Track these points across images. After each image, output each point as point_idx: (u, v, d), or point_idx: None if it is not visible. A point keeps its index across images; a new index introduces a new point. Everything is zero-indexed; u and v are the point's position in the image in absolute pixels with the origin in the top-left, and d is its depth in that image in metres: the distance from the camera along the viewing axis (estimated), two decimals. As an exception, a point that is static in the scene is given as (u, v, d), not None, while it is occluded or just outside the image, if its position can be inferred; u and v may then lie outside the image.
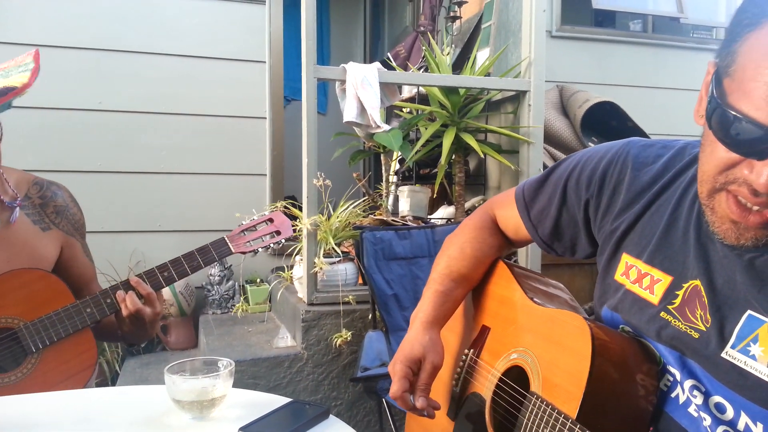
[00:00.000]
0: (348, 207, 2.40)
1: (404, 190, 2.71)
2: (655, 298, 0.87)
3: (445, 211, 2.89)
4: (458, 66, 2.99)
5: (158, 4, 3.21)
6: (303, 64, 2.24)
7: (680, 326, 0.83)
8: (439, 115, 2.62)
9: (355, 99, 2.28)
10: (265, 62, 3.40)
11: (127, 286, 1.37)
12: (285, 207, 2.38)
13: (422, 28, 3.38)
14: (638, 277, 0.91)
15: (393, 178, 3.01)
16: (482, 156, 2.55)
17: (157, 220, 3.24)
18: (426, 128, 2.61)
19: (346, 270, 2.37)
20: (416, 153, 2.56)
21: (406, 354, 1.06)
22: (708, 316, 0.80)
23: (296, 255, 2.47)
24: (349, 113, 2.29)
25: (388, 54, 3.76)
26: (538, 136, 2.56)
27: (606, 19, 3.94)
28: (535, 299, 1.04)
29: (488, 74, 2.70)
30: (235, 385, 1.02)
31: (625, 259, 0.94)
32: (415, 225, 2.40)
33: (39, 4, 3.01)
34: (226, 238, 1.45)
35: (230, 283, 3.17)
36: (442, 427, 1.13)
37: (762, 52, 0.65)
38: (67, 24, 3.06)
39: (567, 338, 0.90)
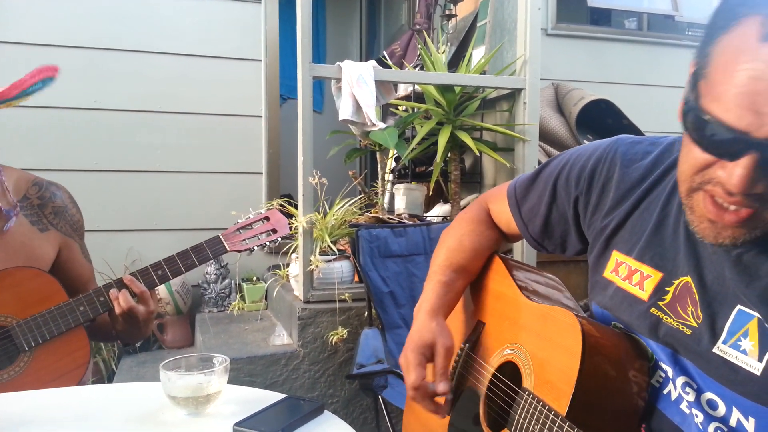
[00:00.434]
0: (344, 205, 2.41)
1: (400, 187, 2.72)
2: (644, 294, 0.88)
3: (441, 209, 2.89)
4: (454, 64, 2.99)
5: (154, 4, 3.21)
6: (298, 62, 2.24)
7: (672, 323, 0.84)
8: (435, 113, 2.63)
9: (351, 97, 2.28)
10: (261, 61, 3.40)
11: (120, 284, 1.37)
12: (281, 205, 2.38)
13: (418, 27, 3.38)
14: (628, 273, 0.91)
15: (389, 176, 3.01)
16: (478, 154, 2.56)
17: (153, 218, 3.24)
18: (422, 126, 2.62)
19: (342, 268, 2.37)
20: (412, 151, 2.56)
21: (417, 342, 1.05)
22: (699, 312, 0.80)
23: (292, 253, 2.48)
24: (345, 111, 2.30)
25: (384, 52, 3.76)
26: (533, 133, 2.57)
27: (601, 17, 3.95)
28: (528, 295, 1.05)
29: (484, 72, 2.70)
30: (231, 383, 1.02)
31: (615, 256, 0.94)
32: (410, 222, 2.41)
33: (37, 4, 3.01)
34: (221, 237, 1.45)
35: (226, 281, 3.17)
36: (438, 421, 1.13)
37: (731, 56, 0.65)
38: (64, 23, 3.05)
39: (558, 335, 0.90)
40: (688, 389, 0.82)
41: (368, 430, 2.31)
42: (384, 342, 1.91)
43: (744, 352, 0.75)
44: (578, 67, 3.59)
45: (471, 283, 1.20)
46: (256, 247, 1.47)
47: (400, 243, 2.16)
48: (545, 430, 0.84)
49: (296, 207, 2.36)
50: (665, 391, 0.85)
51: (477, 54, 2.90)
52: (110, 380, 2.81)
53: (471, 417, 1.06)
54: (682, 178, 0.75)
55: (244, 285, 3.10)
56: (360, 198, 2.62)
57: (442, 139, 2.46)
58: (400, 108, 3.06)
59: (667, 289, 0.85)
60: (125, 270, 3.01)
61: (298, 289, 2.41)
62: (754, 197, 0.67)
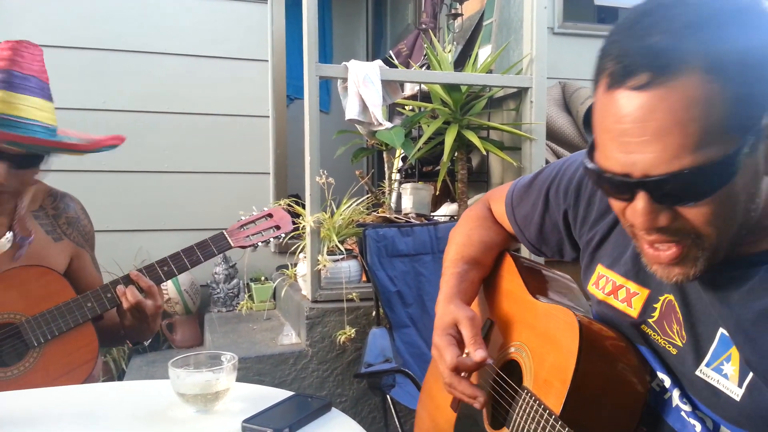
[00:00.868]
0: (351, 204, 2.41)
1: (407, 187, 2.72)
2: (634, 312, 0.87)
3: (448, 209, 2.89)
4: (460, 63, 2.99)
5: (160, 4, 3.23)
6: (305, 62, 2.25)
7: (660, 341, 0.83)
8: (442, 112, 2.63)
9: (357, 97, 2.29)
10: (267, 61, 3.41)
11: (127, 280, 1.39)
12: (288, 205, 2.39)
13: (424, 26, 3.38)
14: (613, 289, 0.90)
15: (396, 176, 3.01)
16: (485, 153, 2.56)
17: (162, 218, 3.26)
18: (428, 125, 2.62)
19: (350, 267, 2.37)
20: (419, 150, 2.56)
21: (440, 326, 1.04)
22: (683, 332, 0.79)
23: (300, 253, 2.48)
24: (351, 111, 2.30)
25: (390, 52, 3.76)
26: (540, 132, 2.56)
27: (608, 15, 3.93)
28: (534, 293, 1.05)
29: (490, 71, 2.70)
30: (240, 382, 1.03)
31: (599, 269, 0.94)
32: (418, 222, 2.41)
33: (40, 4, 3.03)
34: (225, 233, 1.46)
35: (235, 281, 3.18)
36: (447, 418, 1.14)
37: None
38: (68, 24, 3.07)
39: (557, 334, 0.90)
40: (684, 400, 0.81)
41: (377, 429, 2.31)
42: (392, 341, 1.91)
43: (725, 376, 0.74)
44: (585, 65, 3.54)
45: (483, 282, 1.20)
46: (260, 243, 1.49)
47: (408, 242, 2.16)
48: (539, 429, 0.84)
49: (303, 207, 2.37)
50: (666, 397, 0.84)
51: (483, 53, 2.90)
52: (120, 379, 2.82)
53: (477, 414, 1.06)
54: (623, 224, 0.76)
55: (252, 285, 3.11)
56: (367, 197, 2.62)
57: (449, 139, 2.46)
58: (406, 107, 3.06)
59: (654, 305, 0.84)
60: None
61: (306, 289, 2.42)
62: (671, 231, 0.67)
